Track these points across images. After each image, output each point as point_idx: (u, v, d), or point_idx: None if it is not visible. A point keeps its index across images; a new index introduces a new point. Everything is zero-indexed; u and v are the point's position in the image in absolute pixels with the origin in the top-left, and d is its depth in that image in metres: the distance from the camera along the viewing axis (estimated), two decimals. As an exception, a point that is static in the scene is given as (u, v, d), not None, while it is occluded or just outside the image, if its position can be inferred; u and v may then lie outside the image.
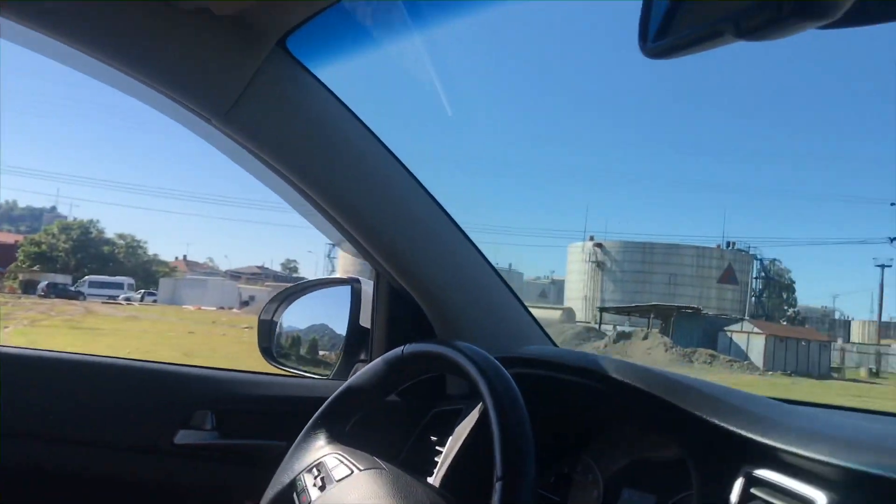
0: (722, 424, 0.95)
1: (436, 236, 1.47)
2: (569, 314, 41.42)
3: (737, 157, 74.43)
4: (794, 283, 56.60)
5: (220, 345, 17.52)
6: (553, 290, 59.56)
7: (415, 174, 1.42)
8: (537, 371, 1.28)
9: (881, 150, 68.26)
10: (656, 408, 1.06)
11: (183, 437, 1.55)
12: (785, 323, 44.55)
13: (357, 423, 1.20)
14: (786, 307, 55.00)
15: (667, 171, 77.17)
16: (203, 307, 37.87)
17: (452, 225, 1.48)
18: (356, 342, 1.59)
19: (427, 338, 1.49)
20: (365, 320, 1.60)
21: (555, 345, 1.59)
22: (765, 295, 53.64)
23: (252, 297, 42.23)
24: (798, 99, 73.66)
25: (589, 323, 39.31)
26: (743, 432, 0.93)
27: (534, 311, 1.61)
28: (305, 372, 1.68)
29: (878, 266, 49.61)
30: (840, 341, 42.86)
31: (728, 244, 50.56)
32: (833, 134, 72.02)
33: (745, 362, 30.01)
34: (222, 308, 39.16)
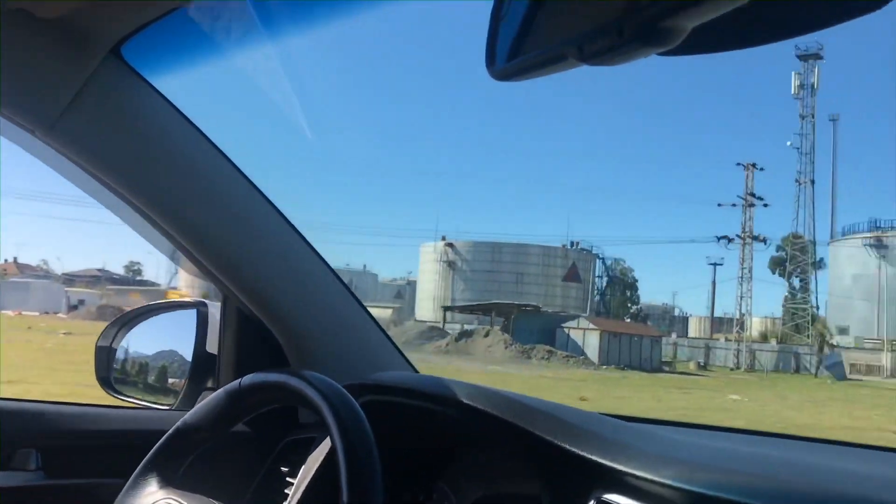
0: (573, 450, 0.97)
1: (286, 256, 1.41)
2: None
3: (581, 158, 78.36)
4: (636, 281, 59.87)
5: (12, 353, 15.73)
6: (409, 291, 59.79)
7: (261, 189, 1.35)
8: (391, 398, 1.26)
9: (710, 153, 74.32)
10: (510, 434, 1.06)
11: (1, 479, 1.39)
12: (629, 320, 47.13)
13: (198, 460, 1.12)
14: (629, 304, 57.96)
15: (515, 171, 80.00)
16: (25, 312, 35.18)
17: (304, 244, 1.42)
18: (203, 369, 1.51)
19: (279, 365, 1.44)
20: (212, 346, 1.51)
21: (414, 369, 1.56)
22: (608, 293, 56.41)
23: (82, 301, 40.12)
24: (636, 103, 78.66)
25: (437, 323, 39.90)
26: (594, 457, 0.94)
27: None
28: (150, 402, 1.57)
29: (711, 264, 53.71)
30: (674, 336, 45.91)
31: (572, 243, 52.92)
32: (671, 137, 77.46)
33: (581, 357, 31.71)
34: (47, 313, 36.74)
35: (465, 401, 1.13)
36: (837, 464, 1.05)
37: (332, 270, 1.46)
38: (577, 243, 53.15)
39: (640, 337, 34.53)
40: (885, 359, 40.28)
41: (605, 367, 30.75)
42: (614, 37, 0.44)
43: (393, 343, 1.55)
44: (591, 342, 32.87)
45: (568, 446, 0.97)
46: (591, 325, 33.97)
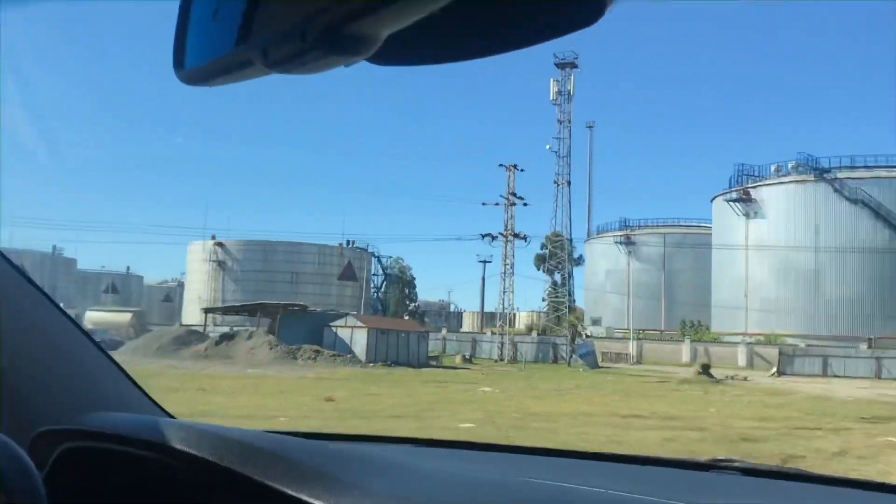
0: (299, 496, 0.91)
1: None
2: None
3: (355, 156, 79.29)
4: (414, 279, 61.42)
5: None
6: (179, 293, 57.40)
7: None
8: (99, 444, 1.13)
9: (478, 154, 78.04)
10: (235, 480, 0.97)
11: None
12: (407, 317, 47.96)
13: None
14: (408, 302, 59.39)
15: (289, 167, 79.25)
16: None
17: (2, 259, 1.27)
18: None
19: None
20: None
21: (153, 402, 1.46)
22: (385, 290, 57.27)
23: None
24: (403, 103, 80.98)
25: (199, 326, 38.31)
26: None
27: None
28: None
29: (481, 262, 56.30)
30: (444, 331, 47.44)
31: (348, 242, 53.11)
32: (440, 137, 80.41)
33: (349, 355, 31.92)
34: None
35: (180, 447, 1.03)
36: (568, 482, 1.11)
37: (37, 288, 1.31)
38: (353, 242, 53.55)
39: (407, 333, 35.21)
40: (631, 347, 44.21)
41: (372, 364, 31.06)
42: (297, 42, 0.40)
43: (124, 372, 1.42)
44: (358, 340, 33.13)
45: (292, 492, 0.92)
46: (359, 323, 34.22)
